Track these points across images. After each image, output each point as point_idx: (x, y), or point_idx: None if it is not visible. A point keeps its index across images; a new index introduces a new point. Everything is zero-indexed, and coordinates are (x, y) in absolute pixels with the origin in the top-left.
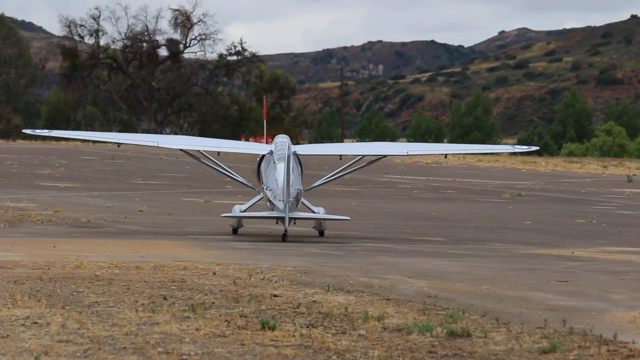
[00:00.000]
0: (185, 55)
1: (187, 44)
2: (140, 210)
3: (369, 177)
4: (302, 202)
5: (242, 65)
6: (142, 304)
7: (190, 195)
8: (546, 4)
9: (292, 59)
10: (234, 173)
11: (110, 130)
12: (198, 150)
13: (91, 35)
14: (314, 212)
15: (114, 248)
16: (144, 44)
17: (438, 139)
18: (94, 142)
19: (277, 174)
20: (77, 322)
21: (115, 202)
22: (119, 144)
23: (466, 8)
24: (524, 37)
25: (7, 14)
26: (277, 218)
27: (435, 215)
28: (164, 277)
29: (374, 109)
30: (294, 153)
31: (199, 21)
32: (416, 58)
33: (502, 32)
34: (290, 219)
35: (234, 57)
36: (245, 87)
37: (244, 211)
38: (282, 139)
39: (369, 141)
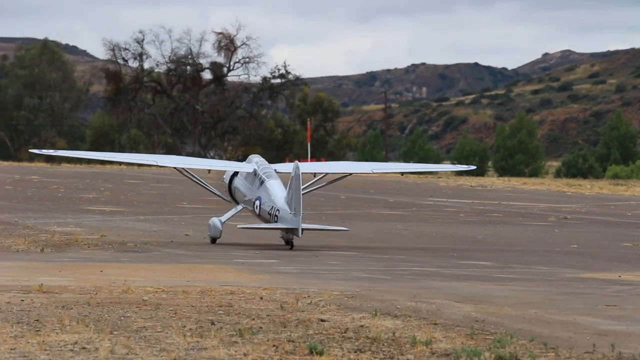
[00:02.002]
0: (229, 79)
1: (231, 67)
2: (186, 235)
3: (414, 200)
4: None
5: (285, 88)
6: (190, 329)
7: (236, 219)
8: (590, 26)
9: (336, 82)
10: (215, 190)
11: (154, 153)
12: (185, 169)
13: (135, 58)
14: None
15: (160, 272)
16: (188, 67)
17: (482, 162)
18: (126, 164)
19: (274, 190)
20: (125, 347)
21: (161, 226)
22: (120, 164)
23: (510, 30)
24: (568, 59)
25: (51, 37)
26: (287, 229)
27: (481, 239)
28: (211, 301)
29: (418, 131)
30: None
31: (242, 44)
32: (460, 80)
33: (546, 54)
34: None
35: (278, 80)
36: (289, 110)
37: (223, 222)
38: (260, 159)
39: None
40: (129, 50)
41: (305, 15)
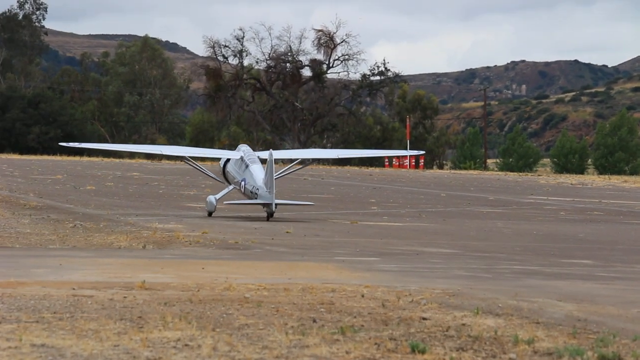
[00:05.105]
0: (329, 76)
1: (331, 64)
2: (287, 232)
3: (514, 198)
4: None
5: (385, 85)
6: (292, 327)
7: (336, 216)
8: None
9: (435, 79)
10: (211, 173)
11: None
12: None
13: (235, 55)
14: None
15: (262, 270)
16: (288, 64)
17: (582, 159)
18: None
19: (255, 173)
20: (227, 345)
21: (262, 224)
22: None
23: (610, 28)
24: None
25: (152, 34)
26: (264, 204)
27: (582, 237)
28: (313, 299)
29: (517, 129)
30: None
31: (342, 41)
32: (559, 78)
33: None
34: (270, 204)
35: (377, 78)
36: (388, 108)
37: (218, 199)
38: (247, 147)
39: (511, 161)
40: (229, 48)
41: (405, 12)
